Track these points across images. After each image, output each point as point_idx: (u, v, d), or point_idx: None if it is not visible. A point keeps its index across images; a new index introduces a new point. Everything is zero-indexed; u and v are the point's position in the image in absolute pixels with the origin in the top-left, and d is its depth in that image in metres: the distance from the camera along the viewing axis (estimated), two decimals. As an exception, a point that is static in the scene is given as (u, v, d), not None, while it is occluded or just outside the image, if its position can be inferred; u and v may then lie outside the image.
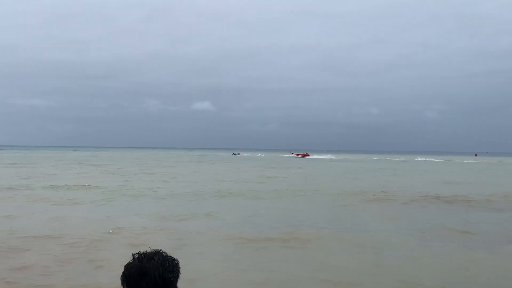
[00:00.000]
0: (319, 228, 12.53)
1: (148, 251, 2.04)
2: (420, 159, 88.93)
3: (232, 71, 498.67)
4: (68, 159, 62.14)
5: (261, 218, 13.99)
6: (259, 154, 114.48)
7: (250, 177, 31.66)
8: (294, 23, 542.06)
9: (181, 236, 11.04)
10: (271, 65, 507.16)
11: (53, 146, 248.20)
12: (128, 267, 2.00)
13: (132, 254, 2.03)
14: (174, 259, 2.06)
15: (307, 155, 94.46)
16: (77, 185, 23.01)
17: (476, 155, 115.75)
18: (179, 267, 2.07)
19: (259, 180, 29.11)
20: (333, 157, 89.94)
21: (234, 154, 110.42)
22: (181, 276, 2.07)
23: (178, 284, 2.06)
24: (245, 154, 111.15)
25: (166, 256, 2.04)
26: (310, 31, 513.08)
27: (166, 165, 48.65)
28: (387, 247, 10.30)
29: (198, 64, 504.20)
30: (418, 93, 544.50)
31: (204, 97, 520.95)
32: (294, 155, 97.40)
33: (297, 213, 15.12)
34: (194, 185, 24.42)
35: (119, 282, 2.01)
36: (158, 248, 2.10)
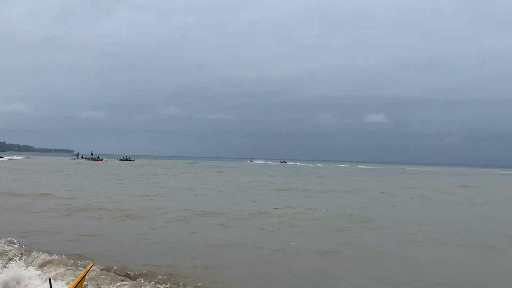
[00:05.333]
0: None
1: None
2: None
3: (412, 81, 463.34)
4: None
5: None
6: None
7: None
8: (481, 29, 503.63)
9: None
10: (455, 75, 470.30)
11: (233, 158, 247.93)
12: None
13: None
14: None
15: (252, 161, 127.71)
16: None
17: None
18: None
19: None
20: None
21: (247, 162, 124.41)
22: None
23: None
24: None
25: None
26: (502, 37, 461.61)
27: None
28: None
29: (376, 76, 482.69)
30: None
31: (379, 109, 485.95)
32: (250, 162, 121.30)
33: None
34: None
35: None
36: None
